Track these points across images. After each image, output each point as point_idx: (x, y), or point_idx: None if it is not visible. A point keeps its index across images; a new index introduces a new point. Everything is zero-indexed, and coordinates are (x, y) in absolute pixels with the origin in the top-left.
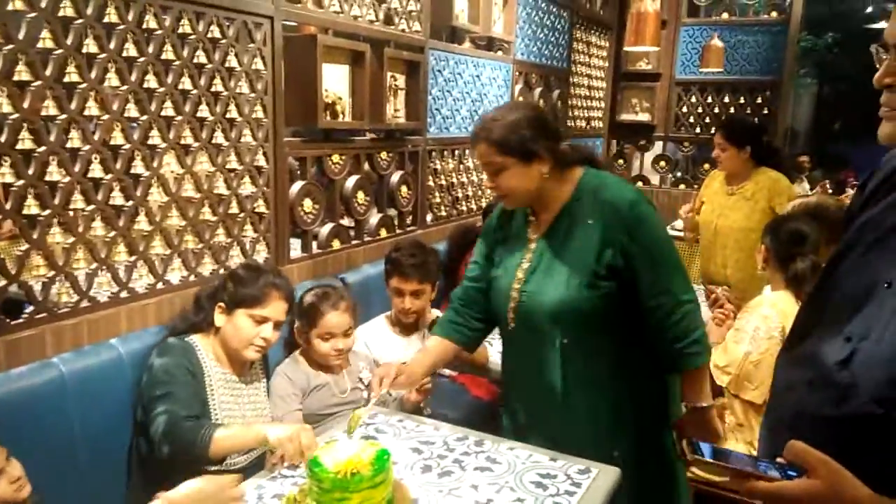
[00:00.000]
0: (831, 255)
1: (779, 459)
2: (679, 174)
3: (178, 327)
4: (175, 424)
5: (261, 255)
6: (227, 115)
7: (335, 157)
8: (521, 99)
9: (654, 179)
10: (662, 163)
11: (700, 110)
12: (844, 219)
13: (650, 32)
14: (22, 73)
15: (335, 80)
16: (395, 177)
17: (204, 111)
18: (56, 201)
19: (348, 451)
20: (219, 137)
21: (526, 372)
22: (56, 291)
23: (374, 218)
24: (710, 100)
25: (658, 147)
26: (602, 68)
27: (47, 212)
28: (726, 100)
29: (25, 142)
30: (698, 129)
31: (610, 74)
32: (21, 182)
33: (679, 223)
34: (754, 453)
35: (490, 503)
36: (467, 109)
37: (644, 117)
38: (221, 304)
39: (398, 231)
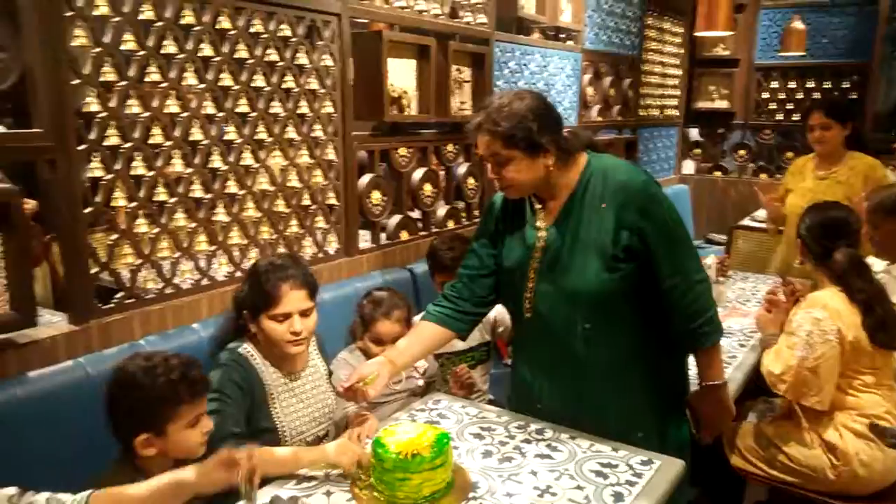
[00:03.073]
0: None
1: None
2: (760, 163)
3: (226, 337)
4: (215, 441)
5: (331, 245)
6: (298, 111)
7: (402, 150)
8: (527, 88)
9: (733, 169)
10: (742, 151)
11: (782, 96)
12: None
13: (722, 16)
14: (108, 75)
15: (401, 75)
16: (462, 168)
17: (276, 107)
18: (141, 194)
19: (410, 433)
20: (290, 132)
21: (546, 359)
22: (143, 279)
23: (442, 209)
24: (792, 85)
25: (737, 135)
26: (676, 55)
27: (133, 204)
28: (810, 85)
29: (112, 138)
30: (780, 116)
31: (685, 61)
32: (110, 176)
33: (761, 213)
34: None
35: (549, 489)
36: None
37: (722, 104)
38: (246, 313)
39: (465, 222)
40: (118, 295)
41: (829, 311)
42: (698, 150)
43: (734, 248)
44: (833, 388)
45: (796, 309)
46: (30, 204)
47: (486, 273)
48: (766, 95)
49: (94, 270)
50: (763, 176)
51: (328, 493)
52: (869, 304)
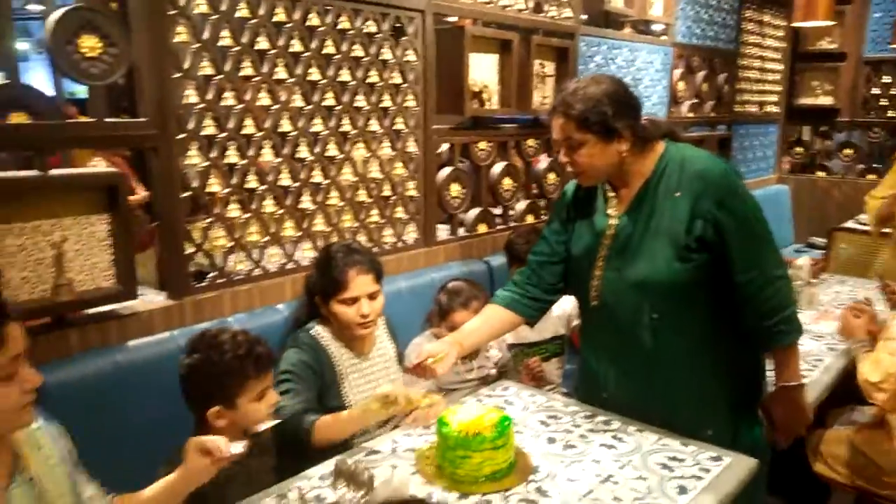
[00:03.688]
0: None
1: None
2: (869, 164)
3: (300, 319)
4: (286, 418)
5: (410, 235)
6: (381, 105)
7: (482, 144)
8: (606, 74)
9: (838, 169)
10: (848, 150)
11: (894, 92)
12: None
13: (822, 6)
14: (205, 69)
15: (483, 69)
16: (543, 164)
17: (360, 101)
18: (234, 181)
19: (473, 414)
20: (373, 125)
21: (612, 348)
22: (233, 261)
23: (522, 204)
24: None
25: (842, 134)
26: (777, 49)
27: (227, 190)
28: None
29: (208, 128)
30: (891, 113)
31: (787, 55)
32: (206, 164)
33: (865, 216)
34: None
35: (611, 478)
36: None
37: (826, 101)
38: (317, 298)
39: (543, 217)
40: (211, 275)
41: None
42: (800, 149)
43: (834, 251)
44: None
45: (894, 318)
46: (139, 195)
47: (556, 260)
48: (875, 91)
49: (189, 251)
50: (871, 177)
51: (394, 466)
52: None
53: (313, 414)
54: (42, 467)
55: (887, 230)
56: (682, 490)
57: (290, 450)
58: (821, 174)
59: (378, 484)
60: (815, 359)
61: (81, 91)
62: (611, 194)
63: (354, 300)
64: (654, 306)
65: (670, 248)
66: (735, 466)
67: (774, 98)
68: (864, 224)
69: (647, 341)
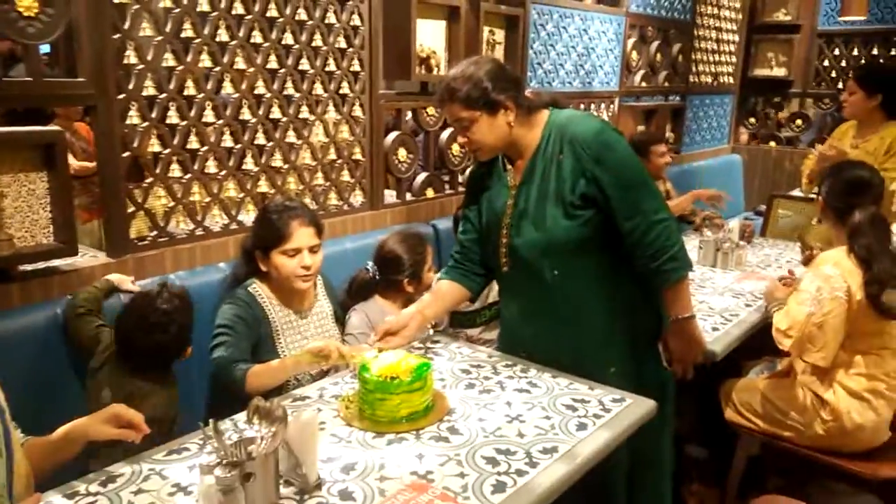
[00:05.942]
0: None
1: None
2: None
3: (238, 277)
4: (222, 367)
5: (357, 199)
6: (326, 69)
7: (430, 110)
8: (486, 54)
9: (789, 139)
10: (798, 121)
11: (844, 64)
12: None
13: None
14: (146, 30)
15: (431, 35)
16: None
17: (304, 64)
18: (175, 141)
19: (392, 360)
20: (318, 89)
21: (524, 307)
22: (175, 220)
23: (469, 169)
24: (855, 52)
25: (794, 104)
26: (734, 20)
27: (168, 150)
28: (875, 52)
29: (149, 89)
30: (840, 85)
31: (743, 27)
32: (146, 124)
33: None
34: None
35: (519, 417)
36: (572, 64)
37: (780, 72)
38: (258, 252)
39: None
40: (152, 233)
41: (840, 269)
42: (753, 120)
43: (773, 216)
44: (837, 346)
45: (805, 272)
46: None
47: (479, 236)
48: (826, 63)
49: (130, 210)
50: (818, 147)
51: (319, 410)
52: (868, 260)
53: (245, 364)
54: None
55: (815, 192)
56: (582, 427)
57: (224, 397)
58: (773, 145)
59: (290, 420)
60: (731, 314)
61: None
62: (509, 167)
63: (297, 251)
64: (553, 264)
65: (558, 208)
66: (633, 407)
67: (729, 69)
68: (814, 194)
69: (551, 297)
